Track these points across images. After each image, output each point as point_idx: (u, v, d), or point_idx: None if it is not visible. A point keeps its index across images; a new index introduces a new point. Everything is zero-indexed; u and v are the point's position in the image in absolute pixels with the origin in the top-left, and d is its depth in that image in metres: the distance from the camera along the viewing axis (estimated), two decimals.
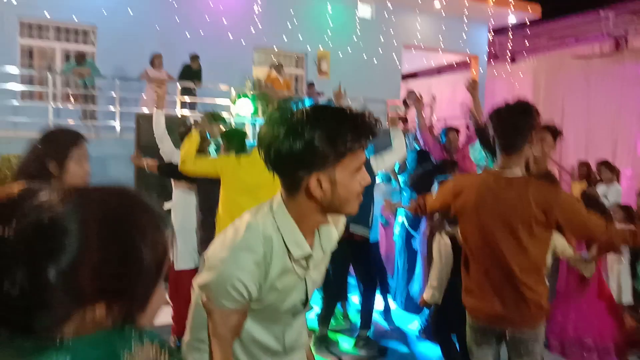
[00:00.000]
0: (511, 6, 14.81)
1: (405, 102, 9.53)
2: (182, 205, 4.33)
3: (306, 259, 1.44)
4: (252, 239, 1.36)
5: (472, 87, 4.26)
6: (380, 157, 4.22)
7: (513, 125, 2.39)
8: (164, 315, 5.08)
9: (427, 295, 3.76)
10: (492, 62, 18.08)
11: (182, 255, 4.36)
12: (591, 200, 4.06)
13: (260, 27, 12.46)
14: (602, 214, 3.70)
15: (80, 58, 9.58)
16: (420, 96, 6.16)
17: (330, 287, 4.66)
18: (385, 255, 5.90)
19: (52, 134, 2.19)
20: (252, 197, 3.45)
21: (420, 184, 4.61)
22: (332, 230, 1.55)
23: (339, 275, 4.72)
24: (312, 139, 1.25)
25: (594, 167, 8.34)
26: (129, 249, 0.77)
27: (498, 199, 2.41)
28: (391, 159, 4.26)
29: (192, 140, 3.97)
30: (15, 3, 10.10)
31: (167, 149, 4.36)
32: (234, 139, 4.12)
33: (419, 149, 5.54)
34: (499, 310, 2.44)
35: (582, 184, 8.20)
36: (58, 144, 2.13)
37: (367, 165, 4.11)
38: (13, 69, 9.61)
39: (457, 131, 5.68)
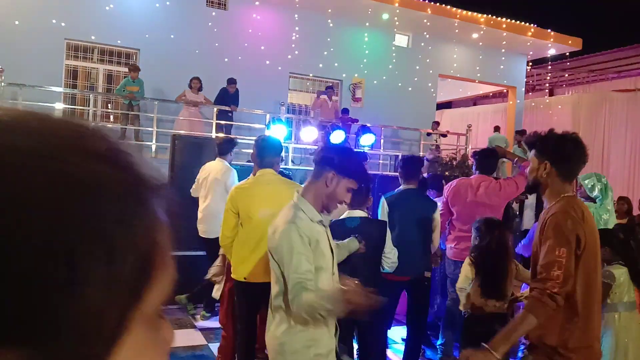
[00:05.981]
0: (551, 39, 14.61)
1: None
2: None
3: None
4: None
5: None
6: None
7: None
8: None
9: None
10: (530, 93, 17.83)
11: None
12: (627, 236, 3.58)
13: (297, 54, 12.63)
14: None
15: (134, 69, 9.80)
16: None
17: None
18: None
19: None
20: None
21: None
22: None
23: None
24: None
25: (636, 204, 7.96)
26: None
27: None
28: None
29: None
30: (63, 25, 10.52)
31: None
32: (269, 149, 3.72)
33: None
34: None
35: (623, 222, 7.74)
36: None
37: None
38: (57, 89, 9.95)
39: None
